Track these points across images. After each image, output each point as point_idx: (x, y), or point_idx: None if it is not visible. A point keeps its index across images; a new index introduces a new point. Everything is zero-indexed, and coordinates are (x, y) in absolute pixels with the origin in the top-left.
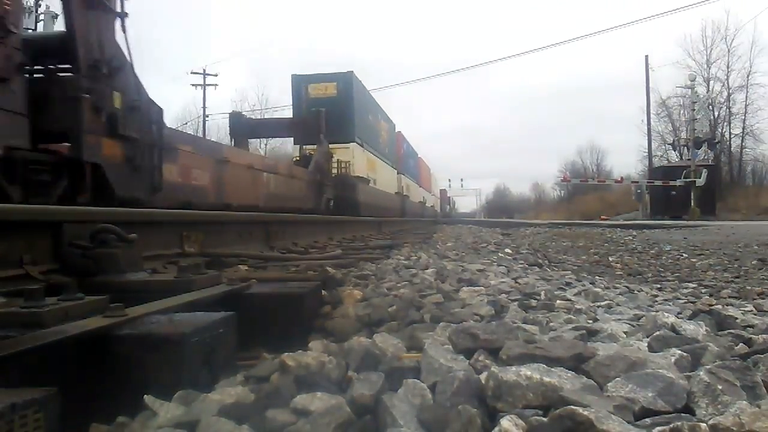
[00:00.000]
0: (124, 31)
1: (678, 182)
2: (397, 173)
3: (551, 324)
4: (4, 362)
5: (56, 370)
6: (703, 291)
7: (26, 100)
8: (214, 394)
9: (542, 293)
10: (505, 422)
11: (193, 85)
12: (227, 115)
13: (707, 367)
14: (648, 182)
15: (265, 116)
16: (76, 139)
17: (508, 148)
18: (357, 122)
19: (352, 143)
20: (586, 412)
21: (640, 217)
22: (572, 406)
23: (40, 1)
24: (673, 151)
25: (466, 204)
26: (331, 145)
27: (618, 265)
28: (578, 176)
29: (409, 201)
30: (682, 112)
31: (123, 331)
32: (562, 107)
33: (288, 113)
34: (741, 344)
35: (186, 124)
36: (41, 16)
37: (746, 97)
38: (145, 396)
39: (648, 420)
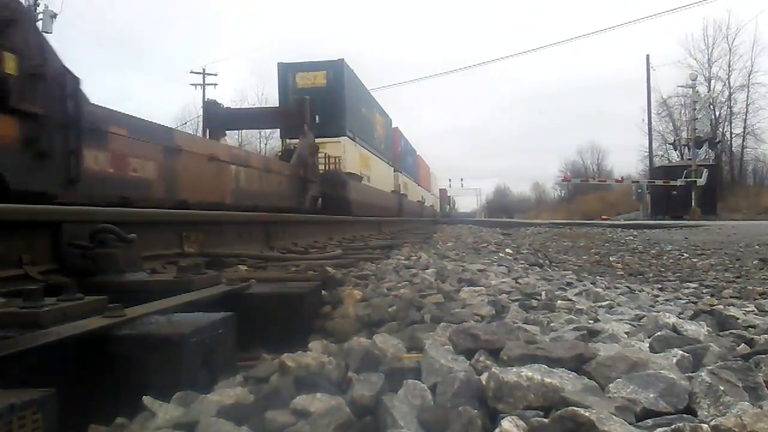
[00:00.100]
0: None
1: (679, 182)
2: (394, 171)
3: (552, 324)
4: (3, 362)
5: (55, 371)
6: (704, 291)
7: None
8: (213, 394)
9: (543, 293)
10: (506, 423)
11: (192, 84)
12: None
13: (709, 367)
14: (649, 182)
15: None
16: None
17: (508, 148)
18: (348, 114)
19: (343, 137)
20: (587, 413)
21: (640, 217)
22: (573, 407)
23: (38, 1)
24: (673, 151)
25: (467, 204)
26: (320, 139)
27: (619, 265)
28: (579, 176)
29: (406, 200)
30: (683, 111)
31: (122, 331)
32: (562, 107)
33: None
34: (743, 345)
35: (186, 123)
36: (40, 15)
37: (747, 96)
38: (143, 397)
39: (649, 421)
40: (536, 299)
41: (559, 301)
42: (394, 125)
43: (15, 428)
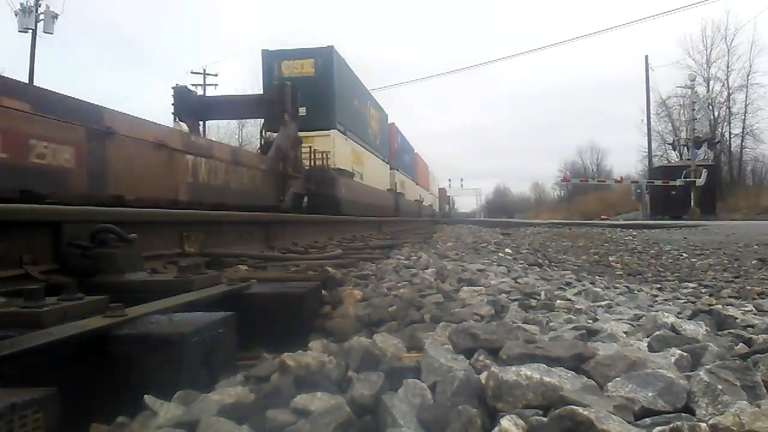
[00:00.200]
0: None
1: (678, 182)
2: (390, 168)
3: (551, 324)
4: (3, 362)
5: (56, 370)
6: (703, 291)
7: None
8: (213, 394)
9: (542, 293)
10: (505, 422)
11: (193, 84)
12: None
13: (707, 366)
14: (648, 182)
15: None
16: None
17: (508, 148)
18: (339, 106)
19: (332, 130)
20: (586, 412)
21: (640, 217)
22: (572, 406)
23: (40, 1)
24: (673, 151)
25: (466, 204)
26: (308, 133)
27: (618, 264)
28: (578, 176)
29: (403, 199)
30: (682, 111)
31: (122, 331)
32: (562, 107)
33: None
34: (741, 344)
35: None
36: (41, 16)
37: (746, 96)
38: (145, 396)
39: (648, 420)
40: (535, 299)
41: (558, 301)
42: (390, 121)
43: (16, 427)
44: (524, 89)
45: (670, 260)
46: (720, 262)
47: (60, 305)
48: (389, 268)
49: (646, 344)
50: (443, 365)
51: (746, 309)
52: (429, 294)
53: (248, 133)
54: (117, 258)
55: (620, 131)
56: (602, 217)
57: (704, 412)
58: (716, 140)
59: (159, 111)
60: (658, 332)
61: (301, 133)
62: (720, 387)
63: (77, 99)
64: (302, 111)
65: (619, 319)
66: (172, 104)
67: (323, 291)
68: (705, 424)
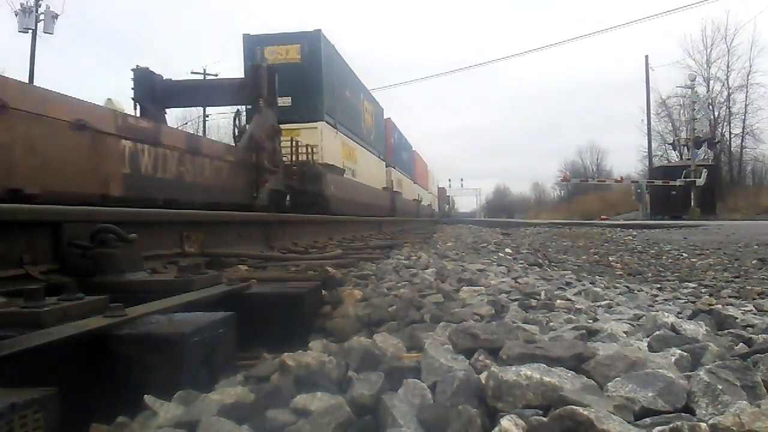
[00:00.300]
0: None
1: (678, 182)
2: (386, 166)
3: (551, 324)
4: (3, 362)
5: (56, 370)
6: (703, 291)
7: None
8: (214, 394)
9: (542, 293)
10: (505, 422)
11: None
12: (229, 115)
13: (707, 366)
14: (648, 182)
15: None
16: None
17: (508, 148)
18: (327, 96)
19: (320, 122)
20: (586, 412)
21: (640, 217)
22: (572, 406)
23: (40, 1)
24: (673, 151)
25: (466, 204)
26: (293, 125)
27: (618, 264)
28: (578, 176)
29: (400, 198)
30: (682, 111)
31: (123, 331)
32: (562, 107)
33: None
34: (741, 344)
35: (186, 124)
36: (41, 16)
37: (746, 96)
38: (145, 396)
39: (648, 420)
40: (535, 299)
41: (558, 301)
42: (386, 116)
43: (16, 427)
44: (524, 89)
45: (670, 260)
46: (720, 262)
47: (60, 305)
48: (389, 268)
49: (646, 344)
50: (443, 365)
51: (746, 309)
52: (429, 294)
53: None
54: (117, 258)
55: (620, 131)
56: (602, 217)
57: (704, 412)
58: (716, 140)
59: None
60: (658, 332)
61: (286, 126)
62: (720, 387)
63: None
64: (287, 101)
65: (619, 319)
66: (132, 89)
67: (323, 291)
68: (705, 424)
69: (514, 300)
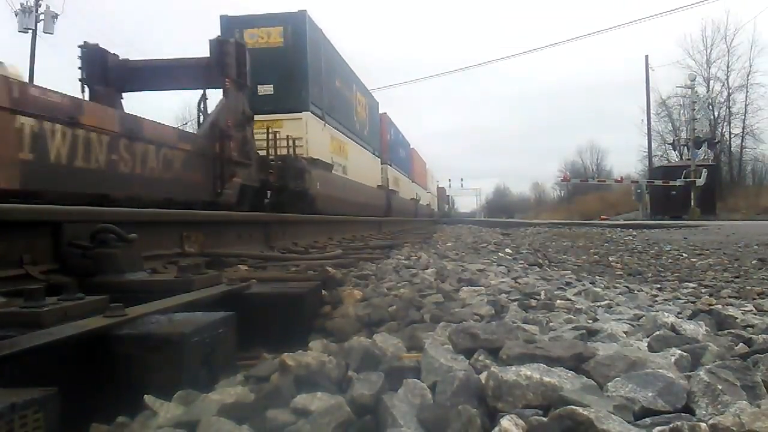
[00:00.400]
0: None
1: (678, 182)
2: (382, 163)
3: (551, 324)
4: (3, 362)
5: (56, 370)
6: (703, 291)
7: None
8: (214, 394)
9: (542, 293)
10: (505, 422)
11: None
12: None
13: (707, 366)
14: (648, 182)
15: None
16: None
17: (508, 148)
18: (313, 83)
19: (305, 113)
20: (586, 412)
21: (640, 217)
22: (572, 406)
23: (40, 1)
24: (673, 151)
25: (466, 203)
26: (276, 116)
27: (618, 264)
28: (578, 176)
29: (397, 197)
30: (682, 111)
31: (123, 331)
32: (562, 107)
33: None
34: (741, 344)
35: (186, 124)
36: (41, 16)
37: (746, 96)
38: (145, 396)
39: (648, 420)
40: (535, 299)
41: (558, 301)
42: (382, 111)
43: (16, 427)
44: (524, 89)
45: (670, 260)
46: (720, 262)
47: (60, 305)
48: (389, 268)
49: (646, 344)
50: (443, 365)
51: (746, 309)
52: (429, 294)
53: None
54: (117, 258)
55: (620, 131)
56: (602, 217)
57: (704, 412)
58: (716, 140)
59: (160, 111)
60: (658, 332)
61: (268, 116)
62: (720, 387)
63: None
64: (269, 89)
65: (619, 319)
66: (80, 68)
67: (323, 291)
68: (705, 424)
69: (514, 300)
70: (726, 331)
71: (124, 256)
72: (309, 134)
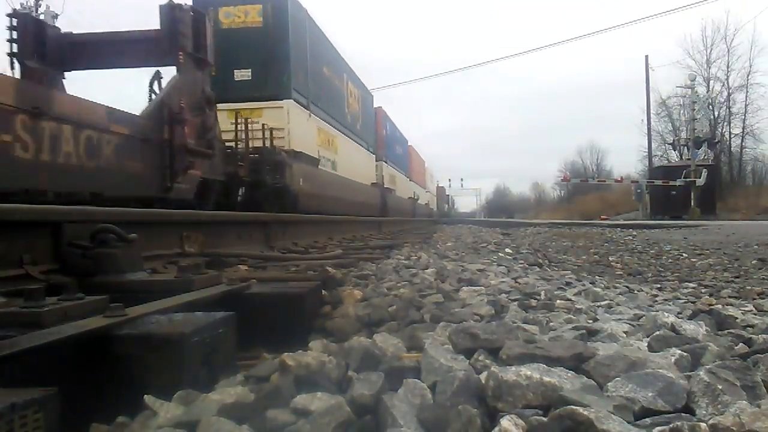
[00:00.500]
0: None
1: (678, 182)
2: (377, 159)
3: (551, 324)
4: (3, 362)
5: (56, 370)
6: (703, 291)
7: None
8: (214, 394)
9: (542, 293)
10: (505, 422)
11: None
12: None
13: (707, 366)
14: (648, 182)
15: None
16: None
17: (508, 148)
18: (297, 68)
19: (287, 101)
20: (586, 412)
21: (640, 217)
22: (572, 406)
23: (40, 1)
24: (673, 151)
25: (466, 203)
26: (254, 104)
27: (618, 264)
28: (578, 176)
29: (393, 196)
30: (682, 111)
31: (123, 331)
32: (562, 107)
33: None
34: (741, 344)
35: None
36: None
37: (746, 96)
38: (145, 396)
39: (648, 420)
40: (535, 299)
41: (558, 301)
42: (377, 105)
43: (16, 427)
44: (524, 89)
45: (670, 260)
46: (720, 262)
47: (60, 305)
48: (389, 268)
49: (646, 344)
50: (443, 365)
51: (746, 309)
52: (429, 294)
53: None
54: (117, 258)
55: (620, 131)
56: (602, 217)
57: (704, 412)
58: (716, 140)
59: None
60: (658, 332)
61: (246, 104)
62: (720, 387)
63: None
64: (246, 74)
65: (619, 319)
66: (9, 40)
67: (323, 291)
68: (705, 424)
69: (514, 300)
70: (726, 331)
71: (124, 256)
72: (291, 124)
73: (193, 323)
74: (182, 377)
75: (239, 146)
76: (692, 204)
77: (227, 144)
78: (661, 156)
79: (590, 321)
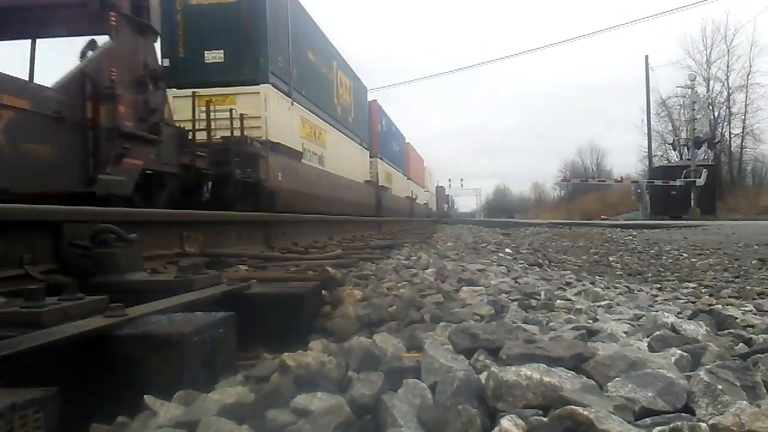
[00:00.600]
0: None
1: (678, 182)
2: (371, 156)
3: (551, 324)
4: (3, 362)
5: (56, 370)
6: (703, 291)
7: None
8: (214, 394)
9: (542, 293)
10: (505, 422)
11: None
12: None
13: (707, 366)
14: (648, 182)
15: None
16: None
17: (508, 148)
18: (276, 50)
19: (263, 85)
20: (586, 412)
21: (640, 217)
22: (572, 406)
23: None
24: (673, 151)
25: (466, 204)
26: (226, 89)
27: (618, 264)
28: (578, 176)
29: (389, 195)
30: (682, 111)
31: (123, 331)
32: (562, 107)
33: None
34: (741, 344)
35: None
36: None
37: (746, 96)
38: (145, 396)
39: (648, 420)
40: (535, 299)
41: (558, 301)
42: (372, 98)
43: (16, 427)
44: (524, 89)
45: (670, 260)
46: (720, 262)
47: (60, 305)
48: (389, 268)
49: (646, 344)
50: (443, 365)
51: (746, 309)
52: (429, 294)
53: None
54: (117, 258)
55: (620, 131)
56: (602, 217)
57: (704, 412)
58: (716, 140)
59: None
60: (658, 332)
61: (218, 90)
62: (720, 387)
63: None
64: (218, 56)
65: (619, 319)
66: None
67: (323, 291)
68: (705, 424)
69: (514, 300)
70: (726, 331)
71: (124, 256)
72: (269, 112)
73: (194, 323)
74: (182, 377)
75: (197, 134)
76: (692, 204)
77: (189, 132)
78: (661, 156)
79: (590, 321)
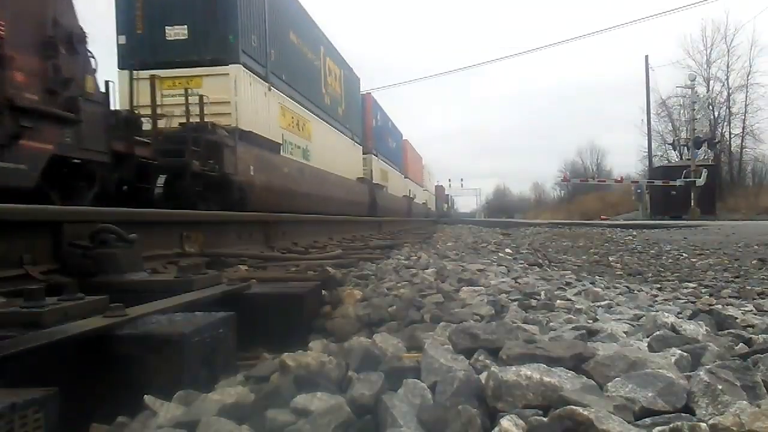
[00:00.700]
0: None
1: (678, 182)
2: (364, 152)
3: (551, 324)
4: (3, 362)
5: (56, 370)
6: (703, 291)
7: None
8: (214, 394)
9: (542, 293)
10: (505, 422)
11: None
12: None
13: (707, 366)
14: (648, 182)
15: None
16: None
17: (508, 148)
18: (248, 27)
19: (233, 66)
20: (586, 412)
21: (640, 217)
22: (572, 406)
23: None
24: (673, 151)
25: (466, 203)
26: (191, 70)
27: (618, 264)
28: (578, 176)
29: (384, 193)
30: (682, 111)
31: (123, 331)
32: (562, 107)
33: None
34: (741, 344)
35: None
36: None
37: (746, 96)
38: (145, 396)
39: (648, 420)
40: (535, 299)
41: (558, 301)
42: (365, 90)
43: (17, 427)
44: (524, 89)
45: (670, 260)
46: (720, 262)
47: (60, 305)
48: (389, 268)
49: (646, 344)
50: (443, 365)
51: (746, 309)
52: (429, 294)
53: None
54: (117, 258)
55: (620, 131)
56: (602, 217)
57: (704, 412)
58: (716, 140)
59: None
60: (658, 332)
61: (181, 71)
62: (720, 387)
63: None
64: (182, 32)
65: (619, 319)
66: None
67: (323, 291)
68: (705, 424)
69: (514, 300)
70: (726, 331)
71: (124, 256)
72: (240, 96)
73: (194, 323)
74: (182, 377)
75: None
76: (692, 204)
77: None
78: (661, 156)
79: (590, 321)
